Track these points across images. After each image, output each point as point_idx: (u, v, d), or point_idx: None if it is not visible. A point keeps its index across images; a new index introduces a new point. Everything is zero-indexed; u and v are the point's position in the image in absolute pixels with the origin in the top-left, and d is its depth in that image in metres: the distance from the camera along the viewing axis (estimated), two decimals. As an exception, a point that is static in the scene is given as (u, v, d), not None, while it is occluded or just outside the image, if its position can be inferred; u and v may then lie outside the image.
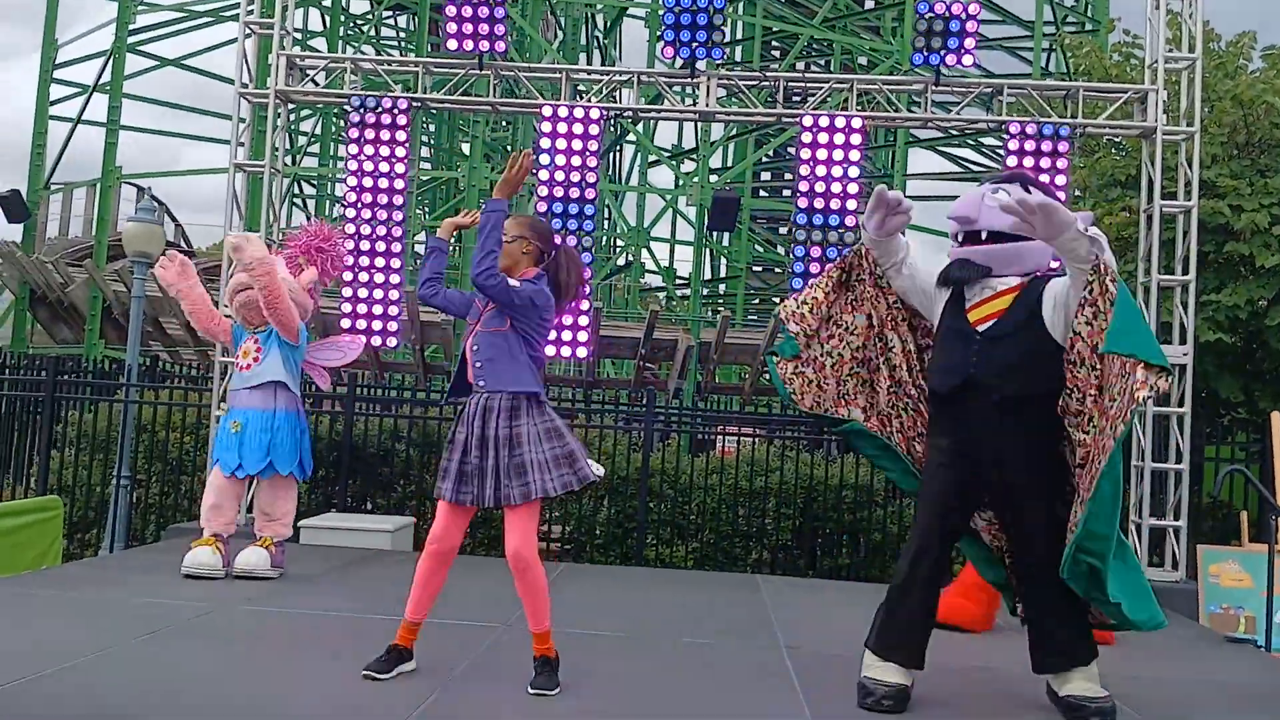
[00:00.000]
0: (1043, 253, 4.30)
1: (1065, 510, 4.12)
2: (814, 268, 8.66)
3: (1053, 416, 4.13)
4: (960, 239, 4.39)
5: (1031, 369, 4.17)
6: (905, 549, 4.43)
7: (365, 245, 8.88)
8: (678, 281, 26.66)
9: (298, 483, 7.03)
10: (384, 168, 8.94)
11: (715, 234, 22.66)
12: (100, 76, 21.36)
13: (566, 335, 8.87)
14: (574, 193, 8.91)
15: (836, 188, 8.71)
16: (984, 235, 4.28)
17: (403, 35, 30.58)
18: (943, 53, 8.67)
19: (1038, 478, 4.20)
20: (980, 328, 4.24)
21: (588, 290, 7.60)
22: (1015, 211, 3.92)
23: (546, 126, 8.94)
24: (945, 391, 4.27)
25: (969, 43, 8.66)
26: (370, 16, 28.26)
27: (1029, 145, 8.55)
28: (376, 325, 8.87)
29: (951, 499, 4.32)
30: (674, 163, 25.09)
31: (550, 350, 9.00)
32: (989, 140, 22.01)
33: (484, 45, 8.97)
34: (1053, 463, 4.20)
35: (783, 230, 28.12)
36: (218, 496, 6.77)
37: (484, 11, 8.86)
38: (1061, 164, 8.55)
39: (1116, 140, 10.19)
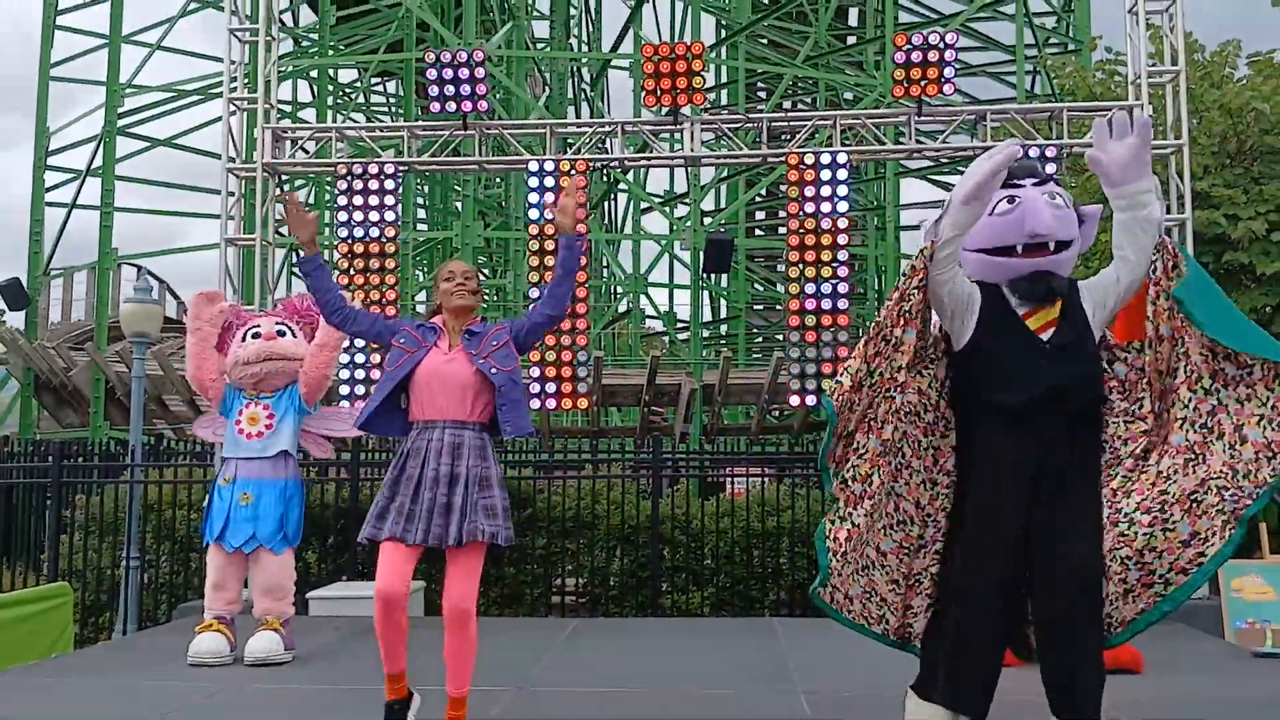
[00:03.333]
0: (1075, 258, 4.20)
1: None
2: (809, 304, 8.65)
3: (1101, 424, 4.08)
4: (1022, 249, 4.02)
5: (1099, 375, 4.08)
6: (962, 582, 3.99)
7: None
8: (678, 325, 26.65)
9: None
10: (374, 232, 8.96)
11: (712, 275, 22.66)
12: (92, 160, 21.53)
13: (567, 387, 8.84)
14: (566, 245, 8.89)
15: (827, 224, 8.71)
16: (1052, 245, 4.01)
17: (393, 101, 30.83)
18: (924, 83, 8.69)
19: (1095, 495, 4.00)
20: (1043, 336, 3.99)
21: None
22: (1144, 134, 4.03)
23: (534, 181, 8.96)
24: (1021, 405, 3.91)
25: (949, 71, 8.69)
26: (358, 85, 28.50)
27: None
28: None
29: (1017, 514, 3.92)
30: (666, 209, 25.19)
31: (551, 403, 8.98)
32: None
33: (466, 106, 9.03)
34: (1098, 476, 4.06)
35: (780, 268, 28.17)
36: (220, 575, 6.46)
37: (464, 73, 8.93)
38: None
39: (1105, 158, 10.17)
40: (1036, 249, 4.00)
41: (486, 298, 25.72)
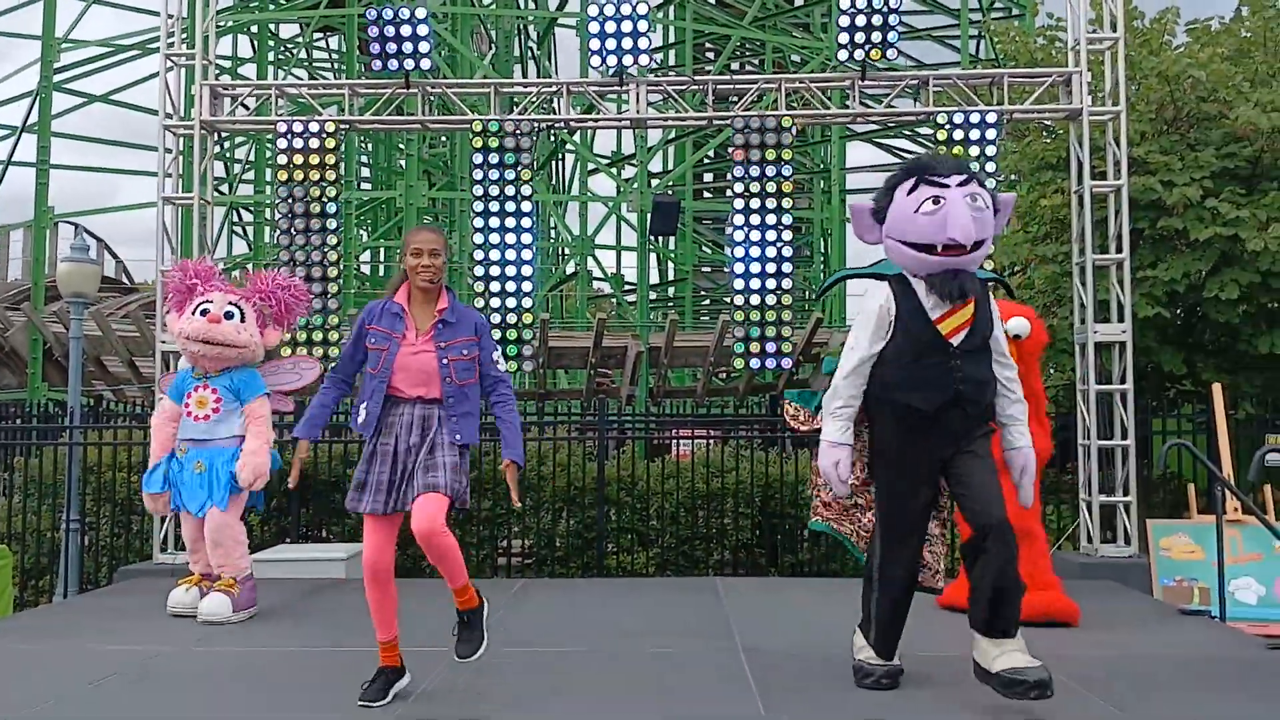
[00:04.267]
0: (988, 250, 4.56)
1: None
2: (754, 268, 8.70)
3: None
4: (941, 248, 4.29)
5: (995, 379, 4.48)
6: (879, 534, 4.58)
7: (301, 271, 8.76)
8: (625, 287, 26.66)
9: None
10: (315, 192, 8.85)
11: (659, 238, 22.67)
12: (28, 117, 21.05)
13: (513, 350, 8.83)
14: (511, 205, 8.87)
15: (772, 186, 8.74)
16: (969, 245, 4.28)
17: (335, 58, 30.37)
18: (868, 47, 8.72)
19: (991, 462, 4.46)
20: (954, 340, 4.34)
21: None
22: None
23: (478, 142, 8.90)
24: (931, 410, 4.32)
25: (893, 36, 8.71)
26: (300, 40, 28.04)
27: (958, 134, 8.63)
28: (318, 351, 8.75)
29: (924, 481, 4.48)
30: (613, 170, 25.11)
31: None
32: (924, 130, 22.22)
33: (409, 64, 8.91)
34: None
35: (727, 230, 28.23)
36: (192, 540, 6.65)
37: (406, 30, 8.80)
38: (990, 150, 8.64)
39: (1046, 123, 10.30)
40: (954, 248, 4.28)
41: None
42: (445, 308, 4.46)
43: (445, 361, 4.38)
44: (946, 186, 4.28)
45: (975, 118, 8.62)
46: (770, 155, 8.73)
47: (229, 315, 6.58)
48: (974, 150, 8.58)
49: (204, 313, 6.56)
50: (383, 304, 4.53)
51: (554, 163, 30.25)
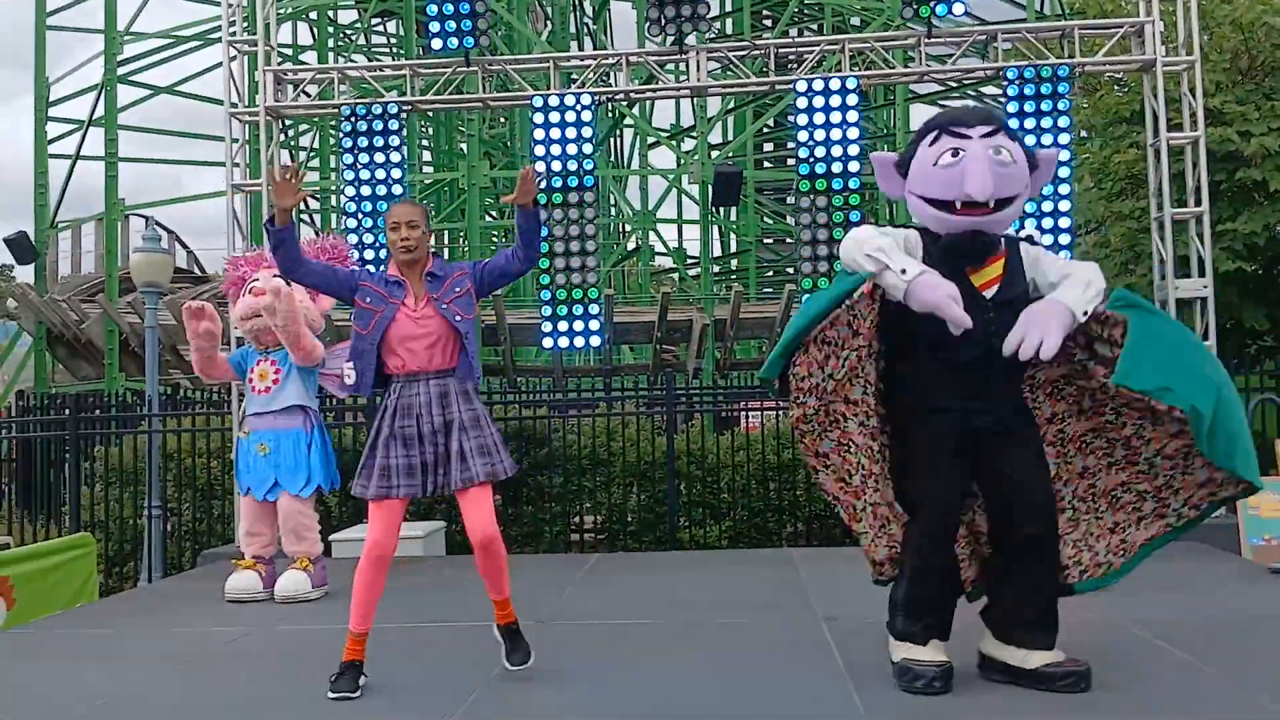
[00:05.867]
0: (1019, 210, 4.17)
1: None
2: (821, 234, 8.59)
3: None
4: (960, 205, 3.94)
5: None
6: (914, 523, 4.06)
7: (370, 255, 8.84)
8: (688, 261, 26.55)
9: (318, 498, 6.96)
10: (380, 174, 8.90)
11: (721, 210, 22.52)
12: (94, 111, 21.41)
13: (579, 325, 8.83)
14: (573, 181, 8.85)
15: (837, 150, 8.61)
16: (991, 204, 3.93)
17: (394, 41, 30.51)
18: (933, 4, 8.54)
19: (1036, 432, 4.16)
20: (987, 293, 4.00)
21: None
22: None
23: (539, 118, 8.87)
24: (967, 360, 3.95)
25: (958, -8, 8.54)
26: (359, 25, 28.20)
27: (1028, 90, 8.42)
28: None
29: (959, 458, 4.04)
30: (673, 142, 24.97)
31: (564, 341, 8.98)
32: (989, 89, 21.80)
33: (468, 41, 8.91)
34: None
35: (790, 200, 27.97)
36: (251, 523, 6.72)
37: (464, 8, 8.80)
38: (1063, 105, 8.43)
39: (1118, 76, 10.04)
40: (973, 206, 3.93)
41: (495, 239, 25.64)
42: (430, 268, 4.41)
43: (446, 305, 4.32)
44: (968, 138, 3.93)
45: (1046, 72, 8.42)
46: (835, 119, 8.60)
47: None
48: (1045, 105, 8.37)
49: (252, 291, 6.66)
50: (380, 272, 4.51)
51: (613, 138, 30.17)
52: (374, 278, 4.45)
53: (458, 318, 4.33)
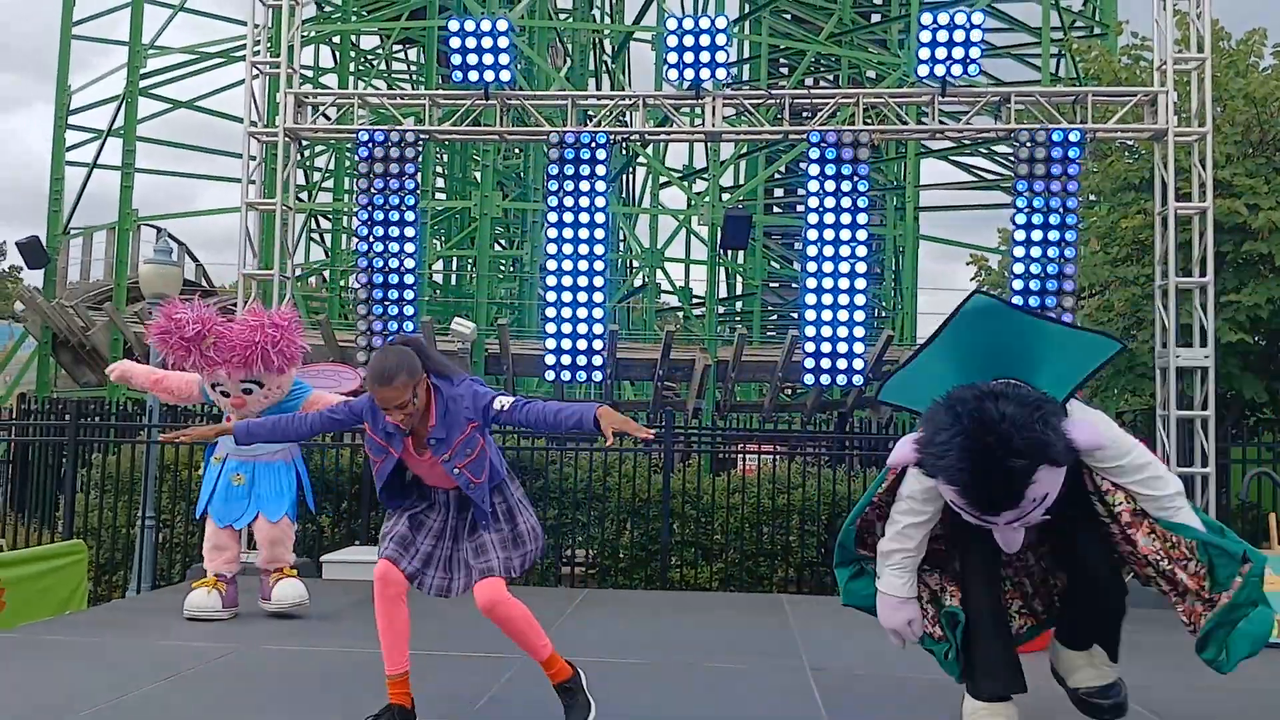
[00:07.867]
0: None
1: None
2: (826, 283, 8.66)
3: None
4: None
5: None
6: (966, 586, 4.10)
7: (379, 279, 8.92)
8: (694, 300, 26.63)
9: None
10: (394, 200, 8.98)
11: (729, 252, 22.62)
12: (114, 121, 21.56)
13: (582, 360, 8.88)
14: (584, 217, 8.93)
15: (846, 202, 8.69)
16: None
17: (413, 69, 30.76)
18: (948, 63, 8.65)
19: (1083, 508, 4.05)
20: None
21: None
22: None
23: (555, 153, 8.96)
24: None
25: (974, 52, 8.65)
26: (380, 51, 28.44)
27: (1039, 153, 8.51)
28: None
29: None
30: (685, 183, 25.12)
31: (566, 375, 9.03)
32: (1001, 148, 21.97)
33: (489, 76, 9.01)
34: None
35: (797, 246, 28.06)
36: (217, 538, 6.76)
37: (488, 42, 8.91)
38: (1073, 170, 8.51)
39: (1129, 143, 10.13)
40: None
41: (503, 268, 25.73)
42: (434, 424, 4.04)
43: (458, 470, 4.07)
44: (994, 524, 3.70)
45: (1057, 136, 8.50)
46: (846, 170, 8.69)
47: (247, 392, 6.64)
48: (1055, 169, 8.46)
49: (224, 394, 6.67)
50: (380, 419, 4.06)
51: (625, 176, 30.32)
52: (373, 420, 4.10)
53: (470, 484, 4.10)
